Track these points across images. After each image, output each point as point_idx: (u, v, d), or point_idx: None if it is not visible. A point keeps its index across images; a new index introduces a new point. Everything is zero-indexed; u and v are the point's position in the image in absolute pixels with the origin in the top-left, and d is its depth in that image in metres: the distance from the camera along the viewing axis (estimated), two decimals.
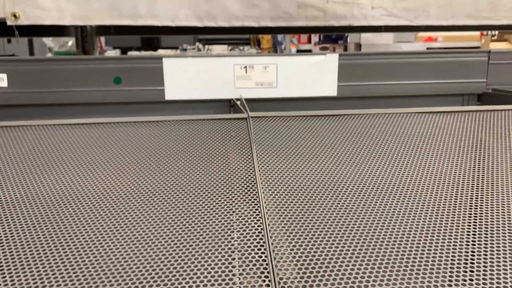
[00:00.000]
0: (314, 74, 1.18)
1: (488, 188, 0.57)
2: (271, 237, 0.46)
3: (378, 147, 0.72)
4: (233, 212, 0.52)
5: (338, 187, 0.59)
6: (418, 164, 0.65)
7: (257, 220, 0.49)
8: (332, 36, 3.90)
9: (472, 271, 0.40)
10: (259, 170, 0.66)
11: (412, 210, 0.52)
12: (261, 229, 0.47)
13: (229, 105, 1.18)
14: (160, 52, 3.74)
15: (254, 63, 1.16)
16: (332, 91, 1.19)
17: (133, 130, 0.81)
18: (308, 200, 0.54)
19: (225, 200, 0.56)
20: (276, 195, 0.57)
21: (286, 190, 0.58)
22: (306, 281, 0.40)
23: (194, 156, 0.71)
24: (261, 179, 0.62)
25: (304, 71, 1.18)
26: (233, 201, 0.56)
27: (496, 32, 3.55)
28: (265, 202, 0.55)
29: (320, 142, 0.77)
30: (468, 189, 0.56)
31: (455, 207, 0.52)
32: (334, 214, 0.50)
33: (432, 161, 0.65)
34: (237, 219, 0.50)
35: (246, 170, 0.67)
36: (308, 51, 4.14)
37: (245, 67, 1.15)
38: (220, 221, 0.50)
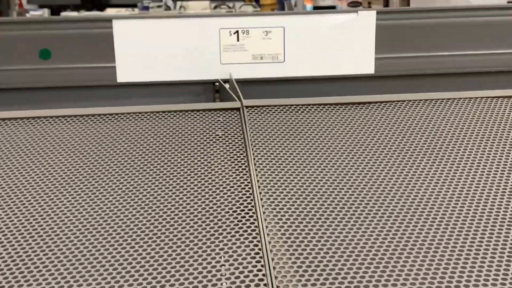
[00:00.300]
0: (339, 42, 1.17)
1: None
2: (273, 259, 0.57)
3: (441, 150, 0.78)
4: (228, 243, 0.60)
5: (365, 213, 0.65)
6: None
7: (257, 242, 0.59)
8: None
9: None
10: (259, 185, 0.69)
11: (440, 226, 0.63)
12: (261, 257, 0.58)
13: (213, 89, 1.18)
14: (110, 11, 3.71)
15: (250, 26, 1.15)
16: (367, 67, 1.19)
17: (66, 127, 0.84)
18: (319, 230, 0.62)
19: (212, 230, 0.63)
20: (281, 219, 0.63)
21: (291, 209, 0.64)
22: None
23: (163, 165, 0.75)
24: (261, 198, 0.66)
25: (325, 37, 1.17)
26: (226, 230, 0.62)
27: None
28: (267, 228, 0.61)
29: (348, 145, 0.79)
30: None
31: None
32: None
33: None
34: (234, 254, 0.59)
35: (239, 184, 0.70)
36: (331, 8, 4.14)
37: (237, 32, 1.15)
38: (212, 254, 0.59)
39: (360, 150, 0.80)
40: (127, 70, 1.16)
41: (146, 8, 3.99)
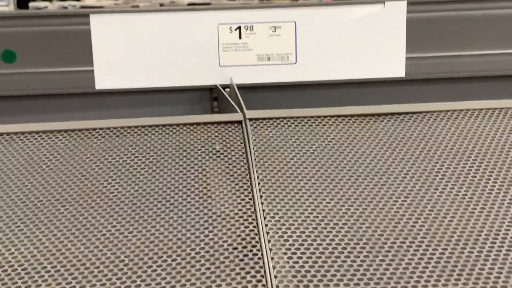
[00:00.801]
0: (362, 39, 1.17)
1: None
2: None
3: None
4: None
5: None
6: None
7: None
8: None
9: None
10: (264, 215, 0.69)
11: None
12: None
13: (210, 97, 1.18)
14: (89, 1, 3.76)
15: (255, 21, 1.16)
16: (396, 69, 1.18)
17: (35, 147, 0.85)
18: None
19: (213, 266, 0.63)
20: (291, 258, 0.64)
21: (301, 248, 0.65)
22: None
23: (153, 193, 0.75)
24: (267, 232, 0.67)
25: (345, 34, 1.17)
26: (229, 267, 0.62)
27: None
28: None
29: (371, 169, 0.79)
30: None
31: None
32: None
33: None
34: None
35: (241, 215, 0.70)
36: None
37: (238, 28, 1.16)
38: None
39: (386, 175, 0.77)
40: (108, 75, 1.16)
41: None
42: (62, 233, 0.69)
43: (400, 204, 0.72)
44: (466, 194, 0.74)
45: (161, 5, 1.96)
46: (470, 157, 0.82)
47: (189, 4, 1.24)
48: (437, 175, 0.78)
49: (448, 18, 1.19)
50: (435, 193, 0.74)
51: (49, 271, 0.62)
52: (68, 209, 0.73)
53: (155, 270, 0.62)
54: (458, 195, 0.74)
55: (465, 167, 0.79)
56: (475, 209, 0.71)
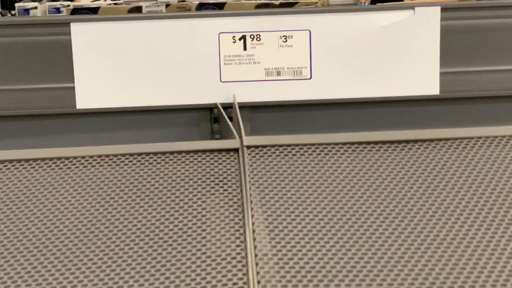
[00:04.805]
0: (388, 50, 1.15)
1: None
2: None
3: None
4: None
5: None
6: None
7: None
8: None
9: None
10: (256, 261, 0.68)
11: None
12: None
13: (211, 117, 1.17)
14: (83, 1, 3.73)
15: (262, 29, 1.14)
16: (429, 86, 1.16)
17: (7, 178, 0.84)
18: None
19: None
20: None
21: None
22: None
23: (130, 235, 0.74)
24: (258, 281, 0.66)
25: (367, 44, 1.15)
26: None
27: None
28: None
29: (390, 211, 0.76)
30: None
31: None
32: None
33: None
34: None
35: (229, 261, 0.69)
36: (375, 2, 4.25)
37: (243, 38, 1.14)
38: None
39: (400, 216, 0.76)
40: (91, 93, 1.15)
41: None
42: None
43: (407, 250, 0.70)
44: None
45: (168, 5, 1.90)
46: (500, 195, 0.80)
47: (200, 4, 1.23)
48: (457, 217, 0.76)
49: (489, 26, 1.18)
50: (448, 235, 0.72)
51: None
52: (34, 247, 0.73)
53: None
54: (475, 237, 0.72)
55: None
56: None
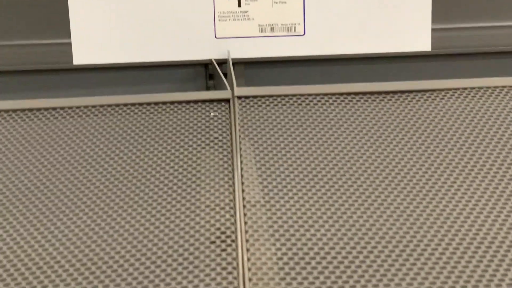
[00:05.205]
0: (381, 7, 1.13)
1: None
2: None
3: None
4: None
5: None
6: None
7: None
8: None
9: None
10: (245, 212, 0.69)
11: None
12: None
13: (206, 73, 1.15)
14: None
15: None
16: (421, 42, 1.14)
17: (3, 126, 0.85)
18: None
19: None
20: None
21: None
22: None
23: (122, 186, 0.76)
24: (246, 221, 0.67)
25: (361, 0, 1.13)
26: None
27: None
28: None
29: (375, 159, 0.78)
30: None
31: None
32: None
33: None
34: None
35: (218, 211, 0.71)
36: None
37: None
38: None
39: (391, 166, 0.76)
40: (87, 49, 1.12)
41: None
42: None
43: (403, 200, 0.71)
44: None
45: None
46: (498, 144, 0.81)
47: None
48: (453, 169, 0.77)
49: None
50: (443, 187, 0.73)
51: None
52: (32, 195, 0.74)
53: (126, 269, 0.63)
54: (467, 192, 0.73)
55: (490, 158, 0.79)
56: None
